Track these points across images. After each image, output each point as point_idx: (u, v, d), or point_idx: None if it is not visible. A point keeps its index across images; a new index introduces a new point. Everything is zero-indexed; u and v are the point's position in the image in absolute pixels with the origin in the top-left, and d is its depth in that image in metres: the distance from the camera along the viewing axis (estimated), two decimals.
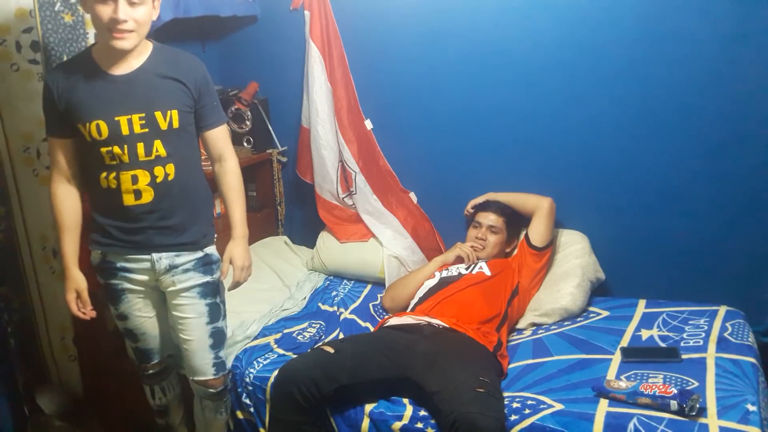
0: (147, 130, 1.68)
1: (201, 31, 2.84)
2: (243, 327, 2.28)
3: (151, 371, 2.00)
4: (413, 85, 2.64)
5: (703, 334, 2.08)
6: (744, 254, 2.32)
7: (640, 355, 2.00)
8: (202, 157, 1.90)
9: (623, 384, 1.78)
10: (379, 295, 2.63)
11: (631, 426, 1.65)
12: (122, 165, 1.69)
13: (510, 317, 2.27)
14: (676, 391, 1.68)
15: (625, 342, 2.11)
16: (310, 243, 2.92)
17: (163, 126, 1.70)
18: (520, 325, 2.35)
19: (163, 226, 1.76)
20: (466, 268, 2.39)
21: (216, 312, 1.89)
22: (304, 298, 2.59)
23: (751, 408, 1.66)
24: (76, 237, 1.78)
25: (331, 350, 1.95)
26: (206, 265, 1.86)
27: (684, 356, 1.96)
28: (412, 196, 2.80)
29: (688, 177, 2.33)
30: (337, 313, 2.47)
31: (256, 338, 2.26)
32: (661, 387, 1.71)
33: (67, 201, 1.75)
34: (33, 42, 2.01)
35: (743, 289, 2.32)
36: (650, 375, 1.87)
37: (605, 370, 1.94)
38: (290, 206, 3.07)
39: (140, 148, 1.68)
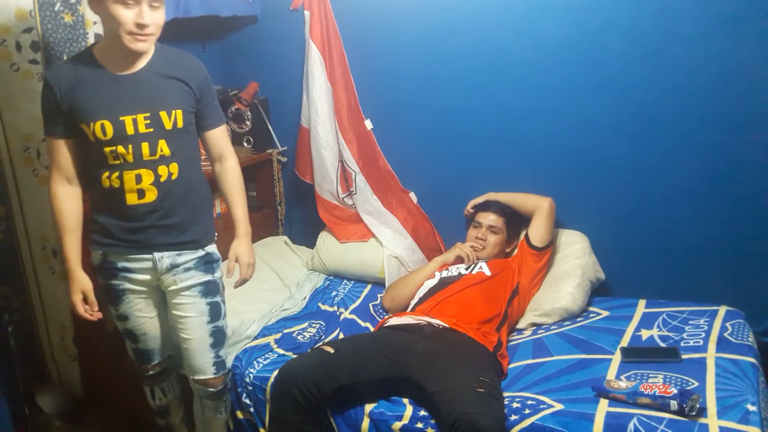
0: (152, 129, 1.69)
1: (201, 31, 2.84)
2: (243, 327, 2.28)
3: (151, 372, 2.00)
4: (413, 85, 2.64)
5: (703, 334, 2.08)
6: (744, 254, 2.32)
7: (640, 355, 1.99)
8: (202, 157, 1.90)
9: (623, 384, 1.78)
10: (379, 295, 2.63)
11: (631, 426, 1.65)
12: (126, 164, 1.69)
13: (510, 317, 2.27)
14: (676, 391, 1.68)
15: (625, 342, 2.11)
16: (310, 243, 2.92)
17: (168, 126, 1.71)
18: (520, 325, 2.35)
19: (165, 224, 1.77)
20: (466, 268, 2.39)
21: (217, 311, 1.89)
22: (304, 298, 2.59)
23: (751, 408, 1.66)
24: (78, 237, 1.77)
25: (331, 350, 1.95)
26: (207, 263, 1.86)
27: (684, 356, 1.96)
28: (412, 196, 2.80)
29: (688, 177, 2.33)
30: (337, 313, 2.47)
31: (256, 338, 2.26)
32: (661, 387, 1.71)
33: (68, 201, 1.74)
34: (33, 42, 2.01)
35: (743, 289, 2.32)
36: (650, 375, 1.87)
37: (605, 370, 1.94)
38: (290, 206, 3.07)
39: (145, 147, 1.68)
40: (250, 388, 2.07)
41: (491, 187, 2.58)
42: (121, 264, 1.80)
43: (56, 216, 1.75)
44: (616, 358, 2.00)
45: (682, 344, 2.04)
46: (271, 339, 2.25)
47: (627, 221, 2.46)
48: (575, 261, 2.40)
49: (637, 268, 2.49)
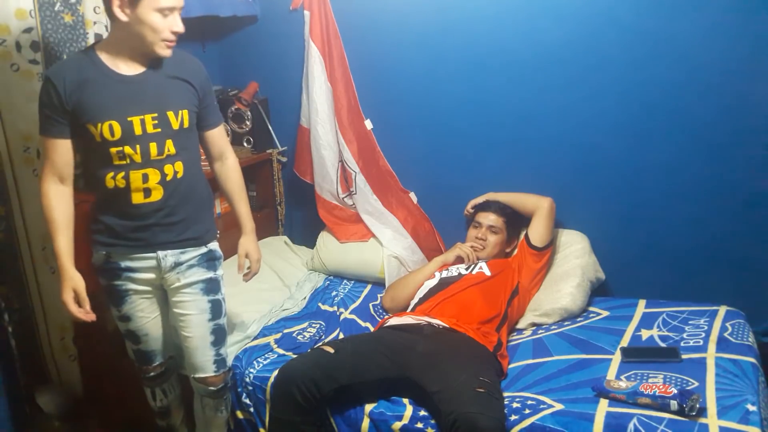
0: (159, 130, 1.70)
1: (201, 31, 2.83)
2: (243, 327, 2.28)
3: (152, 374, 2.00)
4: (413, 85, 2.64)
5: (703, 334, 2.08)
6: (744, 254, 2.32)
7: (640, 355, 2.00)
8: (201, 157, 1.91)
9: (623, 384, 1.78)
10: (379, 295, 2.63)
11: (631, 426, 1.65)
12: (133, 164, 1.69)
13: (510, 317, 2.27)
14: (676, 391, 1.68)
15: (625, 342, 2.11)
16: (310, 243, 2.92)
17: (175, 126, 1.72)
18: (520, 325, 2.35)
19: (169, 222, 1.78)
20: (466, 269, 2.39)
21: (218, 308, 1.90)
22: (304, 298, 2.59)
23: (751, 408, 1.66)
24: (70, 236, 1.74)
25: (331, 350, 1.95)
26: (210, 260, 1.88)
27: (684, 356, 1.96)
28: (412, 196, 2.80)
29: (688, 177, 2.33)
30: (337, 313, 2.47)
31: (256, 338, 2.26)
32: (661, 387, 1.71)
33: (60, 200, 1.71)
34: (33, 42, 2.01)
35: (743, 289, 2.32)
36: (650, 375, 1.87)
37: (605, 370, 1.94)
38: (290, 206, 3.07)
39: (153, 147, 1.70)
40: (250, 388, 2.07)
41: (491, 187, 2.58)
42: (124, 264, 1.80)
43: (47, 214, 1.71)
44: (616, 358, 2.00)
45: (682, 344, 2.04)
46: (271, 339, 2.25)
47: (627, 221, 2.46)
48: (575, 261, 2.40)
49: (637, 268, 2.49)
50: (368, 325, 2.42)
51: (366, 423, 1.89)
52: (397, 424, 1.85)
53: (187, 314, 1.85)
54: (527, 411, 1.77)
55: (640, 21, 2.24)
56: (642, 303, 2.38)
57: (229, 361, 2.06)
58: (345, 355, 1.93)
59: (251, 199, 2.92)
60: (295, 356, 2.07)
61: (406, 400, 1.91)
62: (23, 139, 2.07)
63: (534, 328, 2.32)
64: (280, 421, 1.91)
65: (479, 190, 2.59)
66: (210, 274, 1.87)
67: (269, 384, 2.01)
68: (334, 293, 2.65)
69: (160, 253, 1.79)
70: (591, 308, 2.39)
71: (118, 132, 1.65)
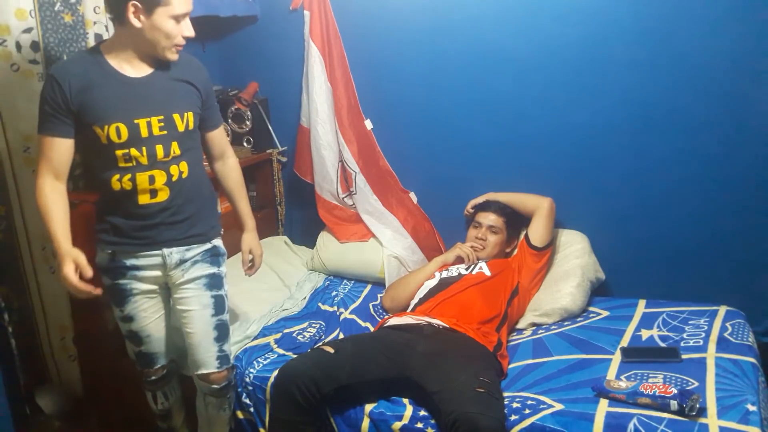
0: (165, 132, 1.71)
1: (201, 31, 2.79)
2: (243, 327, 2.28)
3: (153, 377, 1.99)
4: (413, 84, 2.64)
5: (703, 334, 2.08)
6: (744, 254, 2.32)
7: (640, 355, 1.99)
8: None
9: (623, 384, 1.78)
10: (379, 295, 2.63)
11: (631, 426, 1.65)
12: (139, 166, 1.70)
13: (510, 317, 2.27)
14: (676, 391, 1.68)
15: (625, 342, 2.11)
16: (310, 243, 2.92)
17: (181, 128, 1.73)
18: (520, 325, 2.35)
19: (174, 221, 1.79)
20: (466, 269, 2.39)
21: (221, 304, 1.90)
22: (304, 298, 2.59)
23: (751, 408, 1.66)
24: (66, 226, 1.69)
25: (331, 350, 1.95)
26: (214, 256, 1.89)
27: (684, 356, 1.96)
28: (412, 196, 2.80)
29: (688, 177, 2.33)
30: (337, 313, 2.47)
31: (256, 338, 2.26)
32: (661, 387, 1.71)
33: (56, 197, 1.68)
34: (33, 42, 2.01)
35: (743, 289, 2.32)
36: (650, 375, 1.87)
37: (605, 370, 1.94)
38: (290, 206, 3.07)
39: (159, 149, 1.71)
40: (250, 388, 2.06)
41: (491, 187, 2.58)
42: (129, 262, 1.80)
43: (42, 207, 1.68)
44: (616, 358, 2.00)
45: (682, 344, 2.04)
46: (271, 339, 2.25)
47: (627, 221, 2.46)
48: (575, 261, 2.40)
49: (637, 268, 2.49)
50: (368, 325, 2.42)
51: (366, 423, 1.89)
52: (397, 424, 1.85)
53: (189, 310, 1.86)
54: (527, 411, 1.76)
55: (640, 21, 2.24)
56: (642, 303, 2.38)
57: (232, 359, 2.06)
58: (345, 355, 1.93)
59: (251, 199, 2.92)
60: (295, 356, 2.07)
61: (406, 400, 1.91)
62: (23, 139, 2.07)
63: (534, 328, 2.32)
64: (280, 421, 1.91)
65: (479, 190, 2.59)
66: (213, 270, 1.88)
67: (269, 384, 2.01)
68: (334, 293, 2.65)
69: (166, 251, 1.79)
70: (591, 308, 2.39)
71: (124, 134, 1.66)
